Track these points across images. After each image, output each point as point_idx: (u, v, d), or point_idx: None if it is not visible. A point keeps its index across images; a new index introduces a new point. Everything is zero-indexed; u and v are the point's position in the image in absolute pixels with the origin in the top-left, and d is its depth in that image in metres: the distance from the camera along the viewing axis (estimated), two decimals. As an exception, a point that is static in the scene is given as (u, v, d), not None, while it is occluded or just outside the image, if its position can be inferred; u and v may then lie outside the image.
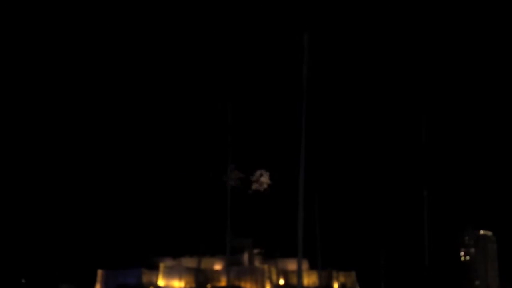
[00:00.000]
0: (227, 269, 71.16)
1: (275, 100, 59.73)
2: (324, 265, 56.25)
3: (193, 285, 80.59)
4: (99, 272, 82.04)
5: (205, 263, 77.68)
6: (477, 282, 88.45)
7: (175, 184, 63.40)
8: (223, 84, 54.75)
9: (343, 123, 59.99)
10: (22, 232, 62.42)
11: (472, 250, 78.08)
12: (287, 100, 54.09)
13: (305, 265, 73.28)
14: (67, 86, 63.72)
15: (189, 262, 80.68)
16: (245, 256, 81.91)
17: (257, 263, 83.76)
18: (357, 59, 60.44)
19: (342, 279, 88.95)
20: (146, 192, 63.81)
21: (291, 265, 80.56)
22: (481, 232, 77.87)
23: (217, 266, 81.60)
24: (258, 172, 67.34)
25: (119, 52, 62.64)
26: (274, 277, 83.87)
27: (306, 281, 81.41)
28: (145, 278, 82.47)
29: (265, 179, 67.97)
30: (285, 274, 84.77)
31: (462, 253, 77.52)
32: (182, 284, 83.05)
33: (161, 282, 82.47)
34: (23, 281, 69.39)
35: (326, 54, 53.70)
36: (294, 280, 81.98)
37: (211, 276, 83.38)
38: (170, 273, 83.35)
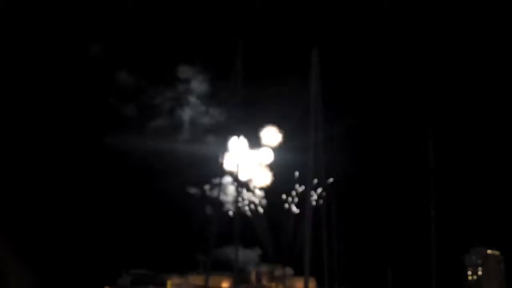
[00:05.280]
0: (234, 287, 71.19)
1: (283, 118, 59.97)
2: (332, 284, 56.32)
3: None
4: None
5: (212, 281, 77.54)
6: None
7: (181, 201, 63.77)
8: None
9: (351, 143, 60.04)
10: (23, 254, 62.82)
11: (480, 269, 77.91)
12: (296, 117, 54.36)
13: (312, 283, 73.25)
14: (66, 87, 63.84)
15: (197, 279, 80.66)
16: (253, 274, 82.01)
17: (264, 281, 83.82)
18: (365, 76, 60.61)
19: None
20: (150, 210, 64.10)
21: (299, 283, 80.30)
22: (489, 251, 77.76)
23: (225, 284, 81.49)
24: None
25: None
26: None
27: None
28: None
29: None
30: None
31: (469, 273, 77.33)
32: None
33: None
34: None
35: (335, 69, 54.05)
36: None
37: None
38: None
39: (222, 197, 62.09)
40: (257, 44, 57.15)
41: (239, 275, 62.73)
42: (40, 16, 60.41)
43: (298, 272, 67.08)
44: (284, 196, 64.30)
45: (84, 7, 60.97)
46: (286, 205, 62.64)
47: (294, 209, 62.95)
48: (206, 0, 60.23)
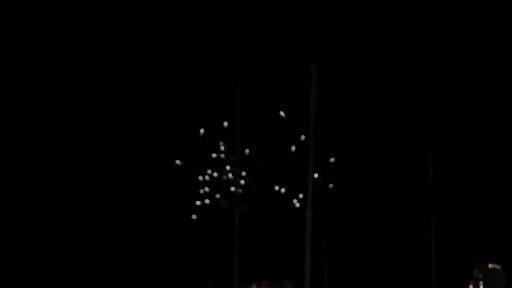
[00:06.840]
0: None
1: (281, 132, 59.82)
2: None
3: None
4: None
5: (212, 294, 77.45)
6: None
7: (181, 215, 63.51)
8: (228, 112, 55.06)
9: (350, 154, 59.91)
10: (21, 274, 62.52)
11: (481, 283, 77.67)
12: (293, 131, 54.16)
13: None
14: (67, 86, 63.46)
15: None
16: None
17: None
18: (364, 91, 60.57)
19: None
20: (150, 223, 63.92)
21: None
22: (490, 265, 77.44)
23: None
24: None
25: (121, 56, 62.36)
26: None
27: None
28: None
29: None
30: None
31: (470, 287, 77.06)
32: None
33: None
34: None
35: (334, 85, 53.84)
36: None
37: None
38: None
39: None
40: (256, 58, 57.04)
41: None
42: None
43: (298, 285, 66.88)
44: (277, 188, 62.27)
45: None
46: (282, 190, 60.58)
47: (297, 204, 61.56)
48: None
